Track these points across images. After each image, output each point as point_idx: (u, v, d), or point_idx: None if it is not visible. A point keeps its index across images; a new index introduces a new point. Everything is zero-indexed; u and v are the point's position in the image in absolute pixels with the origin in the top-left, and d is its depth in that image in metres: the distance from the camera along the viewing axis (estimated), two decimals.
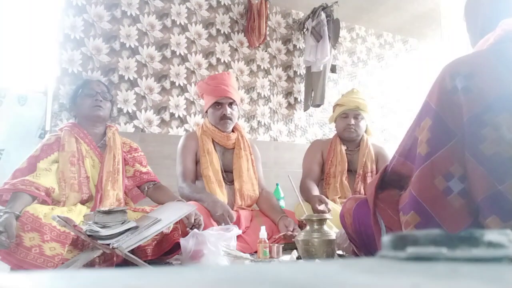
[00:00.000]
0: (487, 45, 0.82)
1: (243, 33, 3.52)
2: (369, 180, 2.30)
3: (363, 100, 2.39)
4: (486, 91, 0.72)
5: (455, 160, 0.75)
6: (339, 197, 2.26)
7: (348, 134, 2.36)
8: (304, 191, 2.17)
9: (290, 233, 1.83)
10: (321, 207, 1.93)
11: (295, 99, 3.75)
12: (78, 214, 1.52)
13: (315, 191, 2.15)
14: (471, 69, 0.75)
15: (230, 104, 2.13)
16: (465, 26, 0.99)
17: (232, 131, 2.21)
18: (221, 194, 2.00)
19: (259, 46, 3.58)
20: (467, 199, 0.74)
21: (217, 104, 2.11)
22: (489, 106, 0.71)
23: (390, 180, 0.94)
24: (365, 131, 2.46)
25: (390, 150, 1.76)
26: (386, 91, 4.30)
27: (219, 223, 1.78)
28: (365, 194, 2.17)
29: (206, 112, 2.19)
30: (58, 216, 1.30)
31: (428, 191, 0.78)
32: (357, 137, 2.40)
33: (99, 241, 1.29)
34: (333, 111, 2.49)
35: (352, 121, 2.34)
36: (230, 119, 2.12)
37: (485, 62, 0.76)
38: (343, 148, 2.38)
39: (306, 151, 2.49)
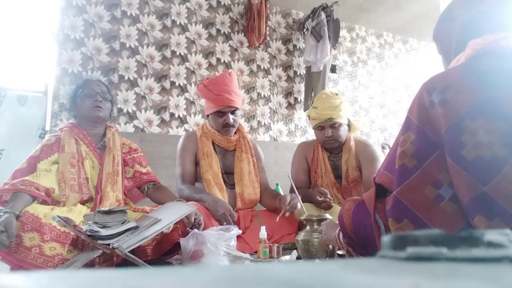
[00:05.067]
0: (459, 64, 0.89)
1: (243, 33, 3.52)
2: (357, 186, 2.22)
3: (335, 105, 2.11)
4: (461, 101, 0.78)
5: (442, 169, 0.80)
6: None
7: (329, 146, 2.19)
8: (301, 192, 2.14)
9: (289, 205, 1.81)
10: (322, 199, 1.93)
11: (295, 99, 3.75)
12: (78, 214, 1.52)
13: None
14: (446, 84, 0.82)
15: (233, 112, 2.05)
16: (437, 48, 1.05)
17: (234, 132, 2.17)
18: (222, 198, 1.96)
19: (259, 46, 3.58)
20: (458, 204, 0.78)
21: (220, 112, 2.03)
22: (465, 114, 0.76)
23: (379, 191, 0.97)
24: (349, 129, 2.25)
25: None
26: (386, 91, 4.30)
27: (220, 223, 1.77)
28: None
29: (208, 115, 2.13)
30: (58, 216, 1.30)
31: (420, 201, 0.82)
32: (340, 144, 2.22)
33: (99, 241, 1.29)
34: (309, 119, 2.28)
35: (330, 133, 2.13)
36: (233, 126, 2.06)
37: (458, 76, 0.82)
38: (326, 156, 2.24)
39: (293, 157, 2.36)
